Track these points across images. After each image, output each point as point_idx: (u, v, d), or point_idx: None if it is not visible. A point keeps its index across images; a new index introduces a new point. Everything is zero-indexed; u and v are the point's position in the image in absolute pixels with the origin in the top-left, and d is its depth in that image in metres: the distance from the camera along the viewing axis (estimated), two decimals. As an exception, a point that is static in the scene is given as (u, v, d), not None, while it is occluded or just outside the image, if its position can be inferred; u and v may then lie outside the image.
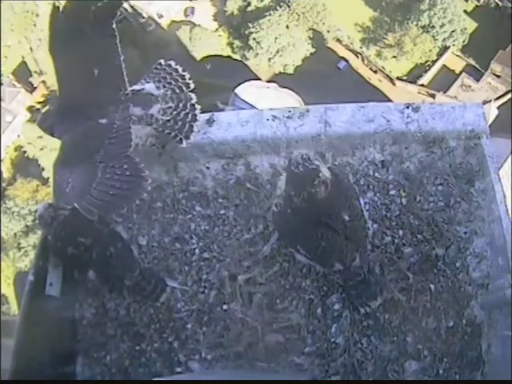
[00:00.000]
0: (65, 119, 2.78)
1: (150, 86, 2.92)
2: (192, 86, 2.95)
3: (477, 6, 29.30)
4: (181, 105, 2.90)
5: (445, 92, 26.99)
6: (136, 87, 2.92)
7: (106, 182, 2.55)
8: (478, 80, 26.93)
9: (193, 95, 2.94)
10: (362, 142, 3.04)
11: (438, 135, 2.97)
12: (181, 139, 2.88)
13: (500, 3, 28.62)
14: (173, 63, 2.97)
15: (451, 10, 27.56)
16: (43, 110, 2.88)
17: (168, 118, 2.87)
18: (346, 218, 2.54)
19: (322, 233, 2.55)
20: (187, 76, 2.96)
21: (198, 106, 2.92)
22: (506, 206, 2.71)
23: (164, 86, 2.92)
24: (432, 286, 2.79)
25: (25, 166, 30.11)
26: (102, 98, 2.81)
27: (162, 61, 2.98)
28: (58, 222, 2.72)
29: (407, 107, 3.00)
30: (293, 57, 28.64)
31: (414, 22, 28.03)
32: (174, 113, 2.88)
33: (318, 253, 2.60)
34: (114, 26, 2.79)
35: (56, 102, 2.90)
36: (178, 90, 2.92)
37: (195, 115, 2.90)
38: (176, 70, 2.96)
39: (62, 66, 2.77)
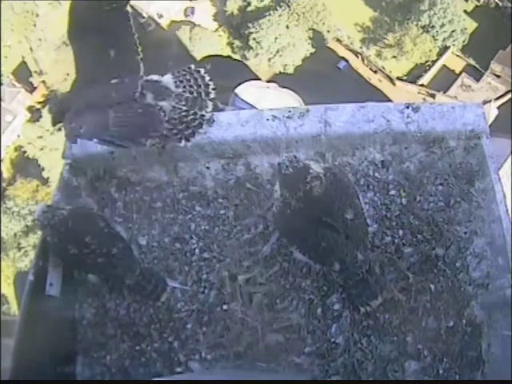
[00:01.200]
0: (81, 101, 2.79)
1: (168, 81, 2.91)
2: (213, 95, 2.94)
3: (477, 5, 29.30)
4: (192, 109, 2.90)
5: (445, 92, 26.98)
6: (154, 77, 2.92)
7: (121, 119, 2.68)
8: (478, 80, 26.92)
9: (210, 103, 2.93)
10: (362, 142, 3.04)
11: (437, 135, 2.97)
12: (180, 138, 2.87)
13: (500, 3, 28.62)
14: (202, 71, 2.97)
15: (451, 10, 27.56)
16: (59, 97, 2.95)
17: (175, 117, 2.87)
18: (348, 216, 2.54)
19: (322, 233, 2.55)
20: (211, 86, 2.95)
21: (207, 116, 2.92)
22: (506, 206, 2.71)
23: (184, 87, 2.92)
24: (432, 286, 2.79)
25: (25, 166, 30.10)
26: (118, 80, 2.83)
27: (193, 66, 2.98)
28: (57, 222, 2.72)
29: (407, 107, 3.00)
30: (293, 57, 28.63)
31: (414, 22, 28.03)
32: (183, 114, 2.88)
33: (318, 253, 2.60)
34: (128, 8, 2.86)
35: (74, 88, 2.92)
36: (196, 94, 2.92)
37: (201, 123, 2.90)
38: (203, 78, 2.95)
39: (80, 50, 2.84)
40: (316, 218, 2.54)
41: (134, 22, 2.84)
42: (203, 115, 2.90)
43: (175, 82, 2.93)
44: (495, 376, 2.62)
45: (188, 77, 2.95)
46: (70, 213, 2.77)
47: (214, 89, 2.95)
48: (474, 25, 28.83)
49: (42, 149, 28.44)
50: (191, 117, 2.88)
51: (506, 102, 25.25)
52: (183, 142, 2.87)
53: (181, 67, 2.99)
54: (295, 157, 2.50)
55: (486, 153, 2.89)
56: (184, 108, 2.88)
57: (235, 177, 3.14)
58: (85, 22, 2.83)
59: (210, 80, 2.96)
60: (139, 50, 2.88)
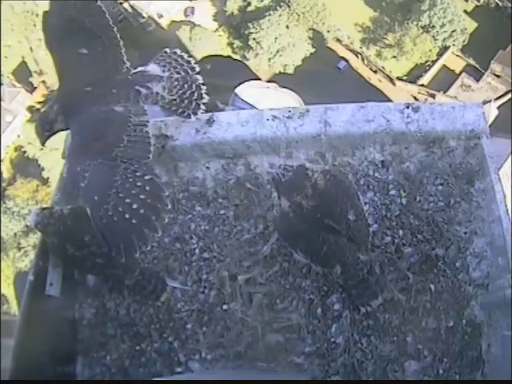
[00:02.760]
0: (69, 109, 2.77)
1: (154, 68, 2.95)
2: (198, 69, 2.97)
3: (477, 5, 29.30)
4: (186, 85, 2.92)
5: (445, 92, 26.99)
6: (140, 69, 2.95)
7: (125, 193, 2.34)
8: (477, 80, 26.92)
9: (199, 77, 2.96)
10: (362, 142, 3.04)
11: (437, 135, 2.97)
12: (189, 114, 2.89)
13: (500, 3, 28.63)
14: (178, 51, 3.00)
15: (451, 10, 27.55)
16: (42, 110, 2.88)
17: (174, 97, 2.89)
18: (350, 217, 2.54)
19: (324, 237, 2.55)
20: (193, 61, 2.99)
21: (203, 87, 2.94)
22: (506, 206, 2.71)
23: (169, 70, 2.95)
24: (432, 286, 2.79)
25: (25, 166, 30.11)
26: (103, 78, 2.82)
27: (168, 49, 3.01)
28: (56, 222, 2.71)
29: (407, 107, 3.00)
30: (293, 57, 28.63)
31: (414, 22, 28.03)
32: (180, 92, 2.90)
33: (320, 256, 2.60)
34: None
35: (55, 97, 2.90)
36: (183, 73, 2.95)
37: (201, 94, 2.92)
38: (182, 57, 2.99)
39: (59, 58, 2.82)
40: (317, 221, 2.55)
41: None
42: (199, 85, 2.93)
43: (160, 67, 2.96)
44: (495, 376, 2.61)
45: (168, 60, 2.98)
46: (70, 212, 2.77)
47: (196, 63, 2.99)
48: (474, 25, 28.82)
49: (42, 149, 28.39)
50: (189, 91, 2.91)
51: (506, 102, 25.26)
52: (193, 117, 2.90)
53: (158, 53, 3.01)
54: (288, 164, 2.55)
55: (486, 153, 2.89)
56: (179, 86, 2.91)
57: (235, 177, 3.14)
58: (60, 29, 2.82)
59: (189, 56, 3.01)
60: (121, 43, 2.85)
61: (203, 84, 2.94)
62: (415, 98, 26.82)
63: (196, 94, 2.91)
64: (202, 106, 2.92)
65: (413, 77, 28.85)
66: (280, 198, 2.60)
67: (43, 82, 31.28)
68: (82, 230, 2.72)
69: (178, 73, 2.94)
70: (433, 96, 26.72)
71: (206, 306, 2.92)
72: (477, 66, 27.49)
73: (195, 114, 2.90)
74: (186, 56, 3.00)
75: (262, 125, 3.04)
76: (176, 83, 2.92)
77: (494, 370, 2.65)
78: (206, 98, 2.93)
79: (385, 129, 2.97)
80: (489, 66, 26.64)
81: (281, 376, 2.76)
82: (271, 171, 2.66)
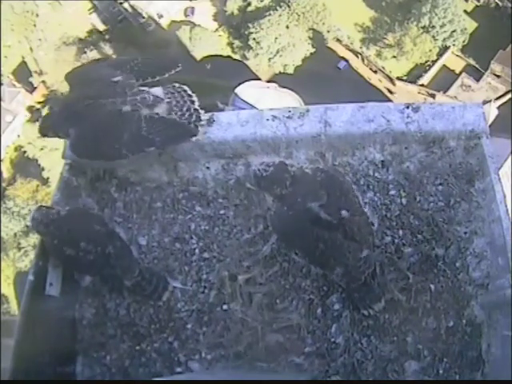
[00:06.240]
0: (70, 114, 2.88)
1: (157, 90, 3.00)
2: (196, 101, 3.02)
3: (477, 5, 29.35)
4: (185, 108, 2.97)
5: (445, 92, 27.02)
6: (144, 88, 3.00)
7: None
8: (478, 80, 26.96)
9: (196, 103, 3.00)
10: (362, 142, 3.04)
11: (437, 135, 2.97)
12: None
13: (500, 3, 28.66)
14: (185, 87, 3.07)
15: (451, 10, 27.60)
16: (43, 113, 2.98)
17: (174, 118, 2.93)
18: (344, 212, 2.54)
19: (317, 233, 2.54)
20: (195, 97, 3.02)
21: (201, 111, 2.98)
22: (506, 206, 2.71)
23: (169, 98, 3.00)
24: (432, 286, 2.79)
25: (25, 166, 30.13)
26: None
27: (177, 84, 3.07)
28: (52, 223, 2.71)
29: (407, 107, 2.99)
30: (293, 57, 28.68)
31: (414, 22, 28.05)
32: (179, 113, 2.94)
33: (317, 255, 2.59)
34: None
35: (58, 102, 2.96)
36: (182, 102, 3.00)
37: (199, 116, 2.97)
38: (185, 91, 3.05)
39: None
40: (309, 216, 2.54)
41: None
42: (196, 109, 2.98)
43: (164, 92, 3.01)
44: (495, 376, 2.61)
45: (172, 90, 3.04)
46: (67, 213, 2.77)
47: (194, 93, 3.04)
48: (474, 25, 28.88)
49: (42, 149, 28.43)
50: (187, 113, 2.95)
51: (506, 102, 25.30)
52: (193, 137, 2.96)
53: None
54: (269, 161, 2.62)
55: (486, 153, 2.88)
56: (177, 110, 2.95)
57: (235, 177, 3.14)
58: None
59: (193, 92, 3.05)
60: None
61: (200, 107, 3.00)
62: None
63: (194, 116, 2.96)
64: (200, 128, 2.96)
65: (413, 77, 28.89)
66: (263, 193, 2.61)
67: (43, 81, 31.31)
68: (78, 231, 2.73)
69: (178, 101, 3.01)
70: (433, 96, 26.75)
71: (206, 306, 2.92)
72: (477, 65, 27.52)
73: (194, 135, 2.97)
74: (189, 91, 3.05)
75: (262, 125, 3.04)
76: (175, 107, 2.98)
77: (494, 369, 2.65)
78: (204, 119, 2.99)
79: (385, 129, 2.97)
80: (489, 66, 26.67)
81: (281, 376, 2.76)
82: (253, 168, 2.67)
